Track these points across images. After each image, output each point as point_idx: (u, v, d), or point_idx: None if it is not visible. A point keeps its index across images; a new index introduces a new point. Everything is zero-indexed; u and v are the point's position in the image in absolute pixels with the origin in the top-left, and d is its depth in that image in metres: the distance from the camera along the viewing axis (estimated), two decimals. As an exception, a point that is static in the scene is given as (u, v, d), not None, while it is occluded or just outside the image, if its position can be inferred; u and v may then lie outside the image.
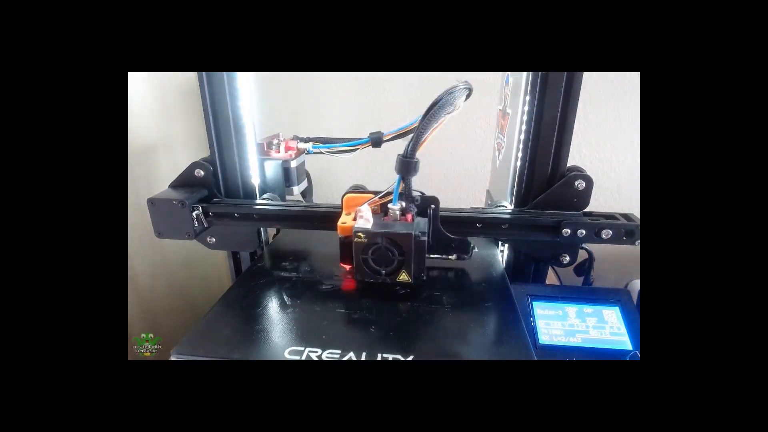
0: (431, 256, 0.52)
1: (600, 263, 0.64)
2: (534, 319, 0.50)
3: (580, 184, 0.52)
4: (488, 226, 0.53)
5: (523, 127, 0.52)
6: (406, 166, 0.45)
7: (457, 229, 0.53)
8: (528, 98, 0.50)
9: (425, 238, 0.45)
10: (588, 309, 0.51)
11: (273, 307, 0.47)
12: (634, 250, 0.49)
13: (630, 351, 0.46)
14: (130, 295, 0.79)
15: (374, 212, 0.49)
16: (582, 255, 0.63)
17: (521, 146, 0.53)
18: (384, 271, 0.47)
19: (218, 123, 0.56)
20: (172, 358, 0.38)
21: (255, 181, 0.60)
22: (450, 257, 0.53)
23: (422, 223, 0.48)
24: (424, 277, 0.48)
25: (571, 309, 0.51)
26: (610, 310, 0.51)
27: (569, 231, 0.51)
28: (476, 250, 0.54)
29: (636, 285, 0.64)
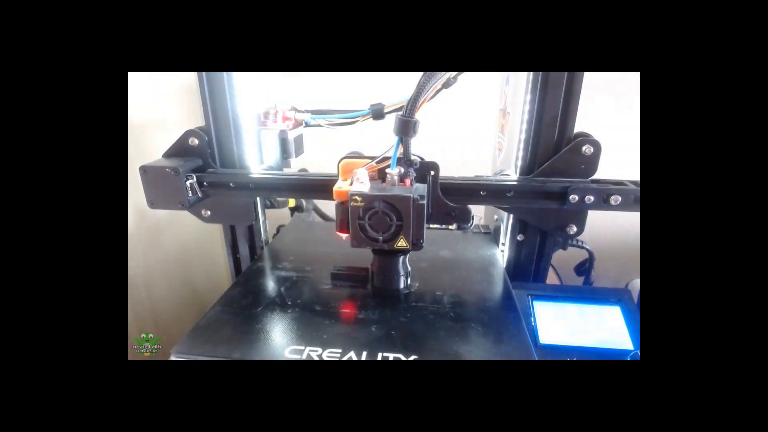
0: (431, 226, 0.50)
1: (600, 263, 0.64)
2: (534, 318, 0.50)
3: (588, 149, 0.50)
4: (493, 194, 0.51)
5: (524, 127, 0.52)
6: (405, 125, 0.42)
7: (461, 197, 0.50)
8: (528, 98, 0.50)
9: (424, 202, 0.43)
10: (589, 308, 0.51)
11: (273, 306, 0.46)
12: (634, 249, 0.49)
13: (631, 351, 0.46)
14: (129, 295, 0.79)
15: (372, 178, 0.46)
16: (582, 254, 0.63)
17: (522, 146, 0.52)
18: (381, 238, 0.44)
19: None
20: (172, 358, 0.38)
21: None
22: (450, 227, 0.50)
23: (421, 188, 0.46)
24: (423, 244, 0.45)
25: (572, 308, 0.51)
26: (610, 310, 0.51)
27: (577, 198, 0.49)
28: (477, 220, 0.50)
29: (637, 284, 0.64)
